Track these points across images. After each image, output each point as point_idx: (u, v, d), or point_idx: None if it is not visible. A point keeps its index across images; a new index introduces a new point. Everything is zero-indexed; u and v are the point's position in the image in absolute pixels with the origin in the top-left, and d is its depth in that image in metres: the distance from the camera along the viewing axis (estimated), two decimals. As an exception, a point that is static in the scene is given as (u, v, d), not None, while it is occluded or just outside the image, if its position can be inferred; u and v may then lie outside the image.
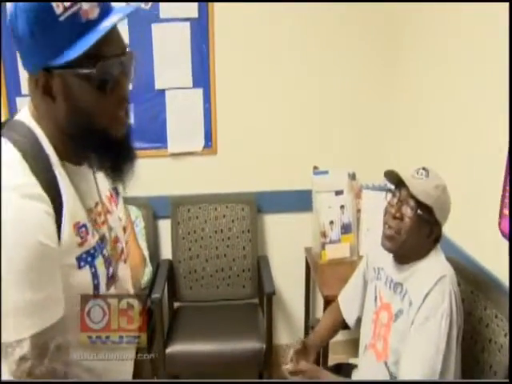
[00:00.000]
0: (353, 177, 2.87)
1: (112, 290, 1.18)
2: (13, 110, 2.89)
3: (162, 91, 2.91)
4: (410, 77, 2.76)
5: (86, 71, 0.98)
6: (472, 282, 1.90)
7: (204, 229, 3.03)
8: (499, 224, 1.82)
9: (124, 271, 1.27)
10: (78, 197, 1.09)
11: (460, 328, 1.65)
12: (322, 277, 2.72)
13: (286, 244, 3.14)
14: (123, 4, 1.11)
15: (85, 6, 0.95)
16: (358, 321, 2.05)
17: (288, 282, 3.14)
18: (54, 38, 0.96)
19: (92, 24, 0.96)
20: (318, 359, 2.31)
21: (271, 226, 3.16)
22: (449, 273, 1.67)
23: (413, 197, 1.68)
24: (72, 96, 1.01)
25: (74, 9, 0.94)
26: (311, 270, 2.93)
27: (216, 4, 2.78)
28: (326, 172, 2.85)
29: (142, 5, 2.94)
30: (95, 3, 0.97)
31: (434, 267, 1.70)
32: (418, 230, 1.71)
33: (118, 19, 0.97)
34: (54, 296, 1.01)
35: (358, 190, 2.88)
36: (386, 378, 1.76)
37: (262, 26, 2.85)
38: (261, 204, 3.06)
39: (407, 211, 1.70)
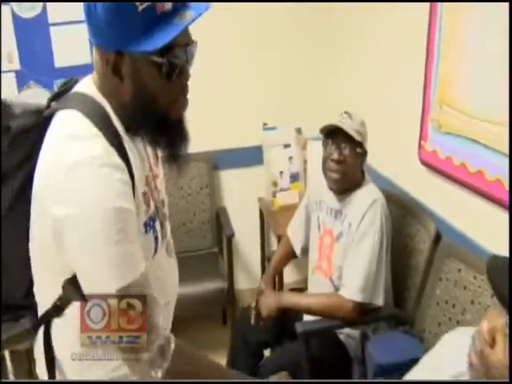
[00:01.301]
0: (299, 131, 3.18)
1: (164, 249, 1.24)
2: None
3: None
4: (347, 36, 3.04)
5: (157, 59, 1.03)
6: (397, 203, 2.25)
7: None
8: (418, 155, 2.17)
9: (168, 230, 1.31)
10: (140, 167, 1.14)
11: (389, 240, 2.00)
12: (275, 220, 3.01)
13: (241, 196, 3.37)
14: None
15: None
16: (304, 250, 2.36)
17: (245, 229, 3.37)
18: (130, 26, 0.99)
19: (166, 16, 0.99)
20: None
21: (227, 181, 3.39)
22: (379, 197, 2.01)
23: (348, 139, 1.99)
24: (140, 79, 1.05)
25: (150, 2, 0.98)
26: (265, 216, 3.23)
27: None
28: (274, 128, 3.14)
29: None
30: None
31: (368, 194, 2.03)
32: (355, 165, 2.04)
33: (193, 17, 1.01)
34: (137, 253, 1.06)
35: (304, 143, 3.17)
36: (332, 290, 2.08)
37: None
38: (217, 161, 3.31)
39: (347, 153, 2.01)
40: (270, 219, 3.14)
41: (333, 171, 2.04)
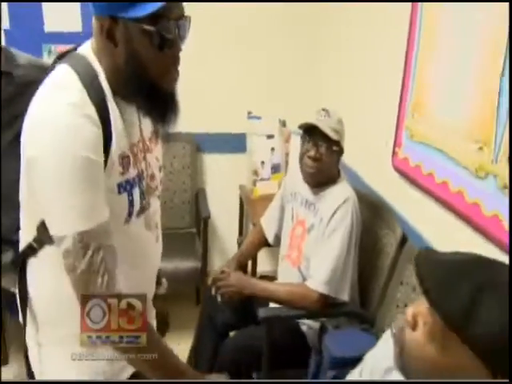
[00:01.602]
0: (283, 124, 3.25)
1: (141, 220, 1.28)
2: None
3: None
4: (334, 36, 3.11)
5: (147, 28, 1.08)
6: (368, 205, 2.34)
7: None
8: (392, 161, 2.26)
9: (155, 205, 1.37)
10: (125, 131, 1.19)
11: (358, 238, 2.09)
12: (253, 209, 3.08)
13: (222, 181, 3.48)
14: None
15: None
16: (277, 238, 2.45)
17: (224, 213, 3.50)
18: None
19: None
20: (246, 270, 2.68)
21: (209, 165, 3.49)
22: (352, 196, 2.09)
23: (325, 137, 2.07)
24: (132, 46, 1.11)
25: None
26: (244, 203, 3.32)
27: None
28: (259, 117, 3.21)
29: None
30: None
31: (341, 191, 2.11)
32: (331, 162, 2.12)
33: None
34: (98, 203, 1.11)
35: (288, 136, 3.24)
36: (300, 280, 2.16)
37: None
38: (200, 144, 3.39)
39: (323, 150, 2.09)
40: (248, 207, 3.22)
41: (309, 167, 2.11)
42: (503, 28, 1.52)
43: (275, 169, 3.24)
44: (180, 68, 1.20)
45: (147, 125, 1.30)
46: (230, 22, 3.19)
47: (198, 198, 3.38)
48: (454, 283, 0.92)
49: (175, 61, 1.18)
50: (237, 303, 2.24)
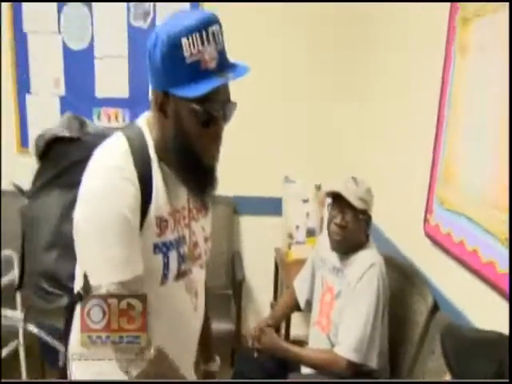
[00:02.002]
0: (318, 188, 3.30)
1: (180, 285, 1.31)
2: (21, 106, 3.30)
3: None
4: (370, 101, 3.19)
5: (195, 107, 1.17)
6: (399, 271, 2.34)
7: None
8: (424, 227, 2.26)
9: (198, 274, 1.39)
10: (167, 196, 1.25)
11: (385, 306, 2.08)
12: (288, 272, 3.10)
13: (258, 243, 3.53)
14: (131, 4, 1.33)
15: (206, 56, 1.14)
16: (308, 304, 2.45)
17: (259, 275, 3.53)
18: (177, 72, 1.15)
19: (209, 72, 1.15)
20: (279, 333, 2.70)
21: (246, 227, 3.56)
22: (378, 261, 2.10)
23: (351, 205, 2.10)
24: (180, 120, 1.20)
25: (198, 57, 1.13)
26: (279, 266, 3.34)
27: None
28: (294, 181, 3.28)
29: (141, 23, 3.40)
30: (216, 55, 1.15)
31: (367, 256, 2.13)
32: (358, 229, 2.15)
33: (232, 78, 1.17)
34: (133, 256, 1.17)
35: (323, 200, 3.27)
36: (328, 347, 2.16)
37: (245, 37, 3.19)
38: (237, 206, 3.46)
39: (349, 218, 2.12)
40: (283, 270, 3.24)
41: (335, 234, 2.15)
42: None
43: (310, 233, 3.27)
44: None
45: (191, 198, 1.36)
46: (270, 88, 3.31)
47: (234, 260, 3.42)
48: (478, 359, 0.93)
49: (217, 139, 1.25)
50: (269, 361, 2.27)
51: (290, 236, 3.25)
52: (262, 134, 3.40)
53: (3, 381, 2.32)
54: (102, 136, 1.30)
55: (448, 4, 2.08)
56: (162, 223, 1.24)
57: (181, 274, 1.30)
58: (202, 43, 1.13)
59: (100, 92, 3.45)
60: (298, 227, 3.25)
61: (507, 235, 1.64)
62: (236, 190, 3.36)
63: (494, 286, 1.73)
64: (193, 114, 1.19)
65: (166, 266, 1.25)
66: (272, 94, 3.33)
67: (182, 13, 1.21)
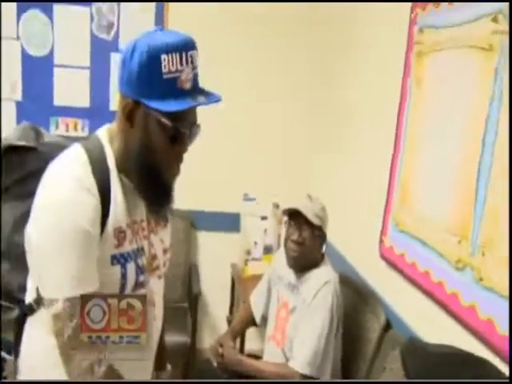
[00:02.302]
0: (276, 206, 3.35)
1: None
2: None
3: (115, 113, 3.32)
4: (330, 124, 3.30)
5: (164, 121, 1.19)
6: (354, 289, 2.42)
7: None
8: (379, 248, 2.35)
9: (156, 285, 1.40)
10: (126, 207, 1.26)
11: (339, 321, 2.15)
12: (244, 287, 3.12)
13: (214, 258, 3.55)
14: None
15: (183, 76, 1.17)
16: (263, 319, 2.50)
17: (215, 290, 3.54)
18: (153, 85, 1.16)
19: (184, 92, 1.18)
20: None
21: (203, 241, 3.57)
22: (333, 278, 2.17)
23: (308, 222, 2.18)
24: (147, 131, 1.21)
25: (176, 75, 1.16)
26: (235, 281, 3.37)
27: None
28: (253, 199, 3.34)
29: (104, 35, 3.40)
30: (191, 77, 1.19)
31: (323, 274, 2.19)
32: (314, 246, 2.21)
33: (203, 103, 1.20)
34: (89, 272, 1.17)
35: (281, 218, 3.32)
36: (283, 361, 2.20)
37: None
38: (195, 221, 3.49)
39: (306, 235, 2.19)
40: (239, 285, 3.28)
41: (292, 251, 2.21)
42: (479, 126, 1.65)
43: (267, 250, 3.33)
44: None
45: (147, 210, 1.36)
46: (230, 106, 3.33)
47: (190, 273, 3.43)
48: (437, 378, 0.98)
49: (180, 158, 1.27)
50: (224, 375, 2.29)
51: (248, 252, 3.30)
52: (223, 150, 3.42)
53: (3, 381, 2.27)
54: (58, 147, 1.30)
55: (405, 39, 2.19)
56: (119, 234, 1.24)
57: (138, 285, 1.30)
58: (181, 63, 1.17)
59: (58, 100, 3.40)
60: (256, 243, 3.30)
61: (458, 258, 1.74)
62: (194, 204, 3.37)
63: (442, 305, 1.82)
64: (161, 128, 1.20)
65: (124, 276, 1.25)
66: (233, 110, 3.35)
67: (162, 30, 1.23)
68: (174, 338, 3.05)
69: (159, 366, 1.63)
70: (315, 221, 2.17)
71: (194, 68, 1.21)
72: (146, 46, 1.16)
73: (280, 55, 3.41)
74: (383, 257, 2.31)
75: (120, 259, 1.24)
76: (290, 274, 2.30)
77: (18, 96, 3.37)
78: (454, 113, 1.84)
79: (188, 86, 1.19)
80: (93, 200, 1.17)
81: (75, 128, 3.43)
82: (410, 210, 2.11)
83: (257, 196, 3.35)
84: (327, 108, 3.34)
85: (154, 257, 1.38)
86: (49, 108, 3.39)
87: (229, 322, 2.90)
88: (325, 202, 2.26)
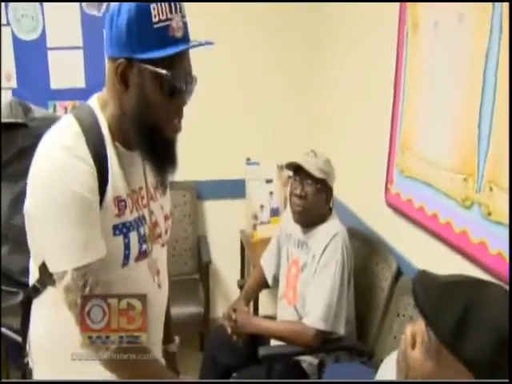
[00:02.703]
0: (281, 168, 3.32)
1: (143, 265, 1.30)
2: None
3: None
4: (328, 79, 3.24)
5: (161, 72, 1.15)
6: (364, 241, 2.41)
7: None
8: (385, 197, 2.32)
9: (159, 253, 1.38)
10: (124, 176, 1.23)
11: (350, 273, 2.13)
12: (254, 252, 3.11)
13: (223, 226, 3.54)
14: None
15: (174, 24, 1.15)
16: (275, 280, 2.49)
17: (226, 258, 3.54)
18: (144, 37, 1.14)
19: (175, 40, 1.15)
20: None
21: (210, 211, 3.55)
22: (341, 231, 2.15)
23: (310, 175, 2.15)
24: (143, 89, 1.17)
25: (167, 23, 1.13)
26: (245, 247, 3.36)
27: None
28: (257, 163, 3.31)
29: (95, 12, 3.35)
30: (182, 25, 1.16)
31: (330, 227, 2.17)
32: (318, 200, 2.18)
33: (197, 44, 1.19)
34: (95, 238, 1.15)
35: (286, 180, 3.30)
36: (296, 318, 2.20)
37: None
38: (200, 191, 3.47)
39: (309, 189, 2.17)
40: (249, 251, 3.26)
41: (296, 205, 2.19)
42: (479, 65, 1.61)
43: (274, 212, 3.30)
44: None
45: (153, 175, 1.34)
46: (228, 71, 3.31)
47: (199, 245, 3.43)
48: (447, 303, 0.98)
49: (180, 112, 1.24)
50: (239, 343, 2.27)
51: (255, 217, 3.28)
52: (221, 117, 3.39)
53: (3, 381, 2.29)
54: (49, 120, 1.26)
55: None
56: (120, 203, 1.22)
57: (142, 254, 1.28)
58: (171, 11, 1.14)
59: (55, 84, 3.37)
60: (262, 207, 3.28)
61: (465, 196, 1.71)
62: (198, 174, 3.35)
63: (452, 246, 1.80)
64: (157, 83, 1.17)
65: (127, 246, 1.23)
66: (232, 76, 3.33)
67: None
68: (188, 310, 3.08)
69: (166, 337, 1.61)
70: (318, 174, 2.14)
71: (183, 17, 1.18)
72: (134, 2, 1.13)
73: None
74: (390, 205, 2.28)
75: (122, 229, 1.22)
76: (297, 231, 2.28)
77: (13, 83, 3.34)
78: (454, 51, 1.79)
79: (180, 34, 1.16)
80: (87, 167, 1.14)
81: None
82: (414, 155, 2.07)
83: (260, 160, 3.31)
84: (325, 62, 3.28)
85: (155, 224, 1.35)
86: (46, 92, 3.35)
87: (240, 286, 2.88)
88: (326, 154, 2.23)
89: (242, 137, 3.43)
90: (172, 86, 1.18)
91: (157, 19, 1.13)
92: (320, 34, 3.32)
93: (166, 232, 1.42)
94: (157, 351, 1.43)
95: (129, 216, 1.24)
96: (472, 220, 1.68)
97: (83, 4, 3.30)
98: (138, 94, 1.18)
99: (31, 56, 3.30)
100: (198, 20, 1.24)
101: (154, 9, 1.12)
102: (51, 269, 1.16)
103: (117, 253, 1.22)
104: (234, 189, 3.42)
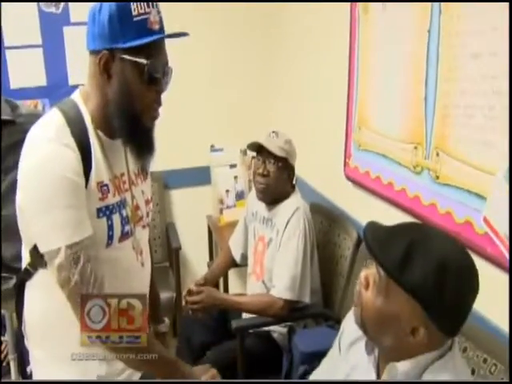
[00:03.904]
0: (244, 152, 3.40)
1: (126, 245, 1.38)
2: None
3: (76, 86, 3.28)
4: (285, 63, 3.34)
5: (140, 61, 1.25)
6: (326, 215, 2.52)
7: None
8: (344, 171, 2.45)
9: (141, 234, 1.46)
10: (106, 162, 1.32)
11: (313, 244, 2.24)
12: (221, 236, 3.20)
13: (190, 214, 3.59)
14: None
15: (151, 18, 1.25)
16: (243, 257, 2.58)
17: (194, 244, 3.59)
18: (125, 28, 1.24)
19: (153, 32, 1.26)
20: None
21: (177, 200, 3.61)
22: (302, 205, 2.26)
23: (271, 154, 2.25)
24: (124, 78, 1.27)
25: (145, 16, 1.25)
26: (213, 232, 3.44)
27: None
28: (221, 149, 3.38)
29: (53, 9, 3.34)
30: (158, 19, 1.27)
31: (292, 203, 2.28)
32: (281, 178, 2.29)
33: (171, 34, 1.30)
34: (84, 217, 1.23)
35: (249, 163, 3.38)
36: (264, 291, 2.30)
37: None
38: (167, 181, 3.53)
39: (271, 167, 2.27)
40: (216, 235, 3.34)
41: (259, 183, 2.29)
42: (423, 42, 1.75)
43: (239, 196, 3.39)
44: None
45: (134, 162, 1.43)
46: (189, 60, 3.37)
47: (168, 232, 3.49)
48: (392, 241, 1.09)
49: (158, 100, 1.34)
50: (210, 320, 2.36)
51: (221, 201, 3.35)
52: (183, 106, 3.43)
53: (3, 381, 2.32)
54: (36, 116, 1.35)
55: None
56: (103, 188, 1.30)
57: (125, 235, 1.36)
58: (148, 6, 1.25)
59: (15, 83, 3.34)
60: (227, 192, 3.36)
61: (416, 163, 1.84)
62: (164, 164, 3.38)
63: (407, 210, 1.93)
64: (138, 71, 1.26)
65: (111, 227, 1.31)
66: (192, 66, 3.37)
67: None
68: (160, 296, 3.12)
69: (156, 318, 1.71)
70: (279, 153, 2.24)
71: (159, 12, 1.29)
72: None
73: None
74: (349, 178, 2.40)
75: (105, 211, 1.30)
76: (262, 209, 2.37)
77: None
78: (400, 30, 1.93)
79: (157, 27, 1.27)
80: (73, 154, 1.22)
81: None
82: (370, 129, 2.19)
83: (224, 146, 3.39)
84: (280, 47, 3.37)
85: (136, 207, 1.44)
86: (6, 92, 3.27)
87: (209, 267, 2.96)
88: (288, 134, 2.33)
89: (204, 125, 3.48)
90: (150, 74, 1.28)
91: (136, 12, 1.23)
92: (276, 17, 3.39)
93: (148, 215, 1.51)
94: None
95: (111, 199, 1.32)
96: (423, 185, 1.82)
97: (40, 2, 3.28)
98: (119, 83, 1.27)
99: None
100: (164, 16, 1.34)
101: (133, 4, 1.24)
102: (44, 248, 1.23)
103: (101, 234, 1.29)
104: (200, 176, 3.48)
